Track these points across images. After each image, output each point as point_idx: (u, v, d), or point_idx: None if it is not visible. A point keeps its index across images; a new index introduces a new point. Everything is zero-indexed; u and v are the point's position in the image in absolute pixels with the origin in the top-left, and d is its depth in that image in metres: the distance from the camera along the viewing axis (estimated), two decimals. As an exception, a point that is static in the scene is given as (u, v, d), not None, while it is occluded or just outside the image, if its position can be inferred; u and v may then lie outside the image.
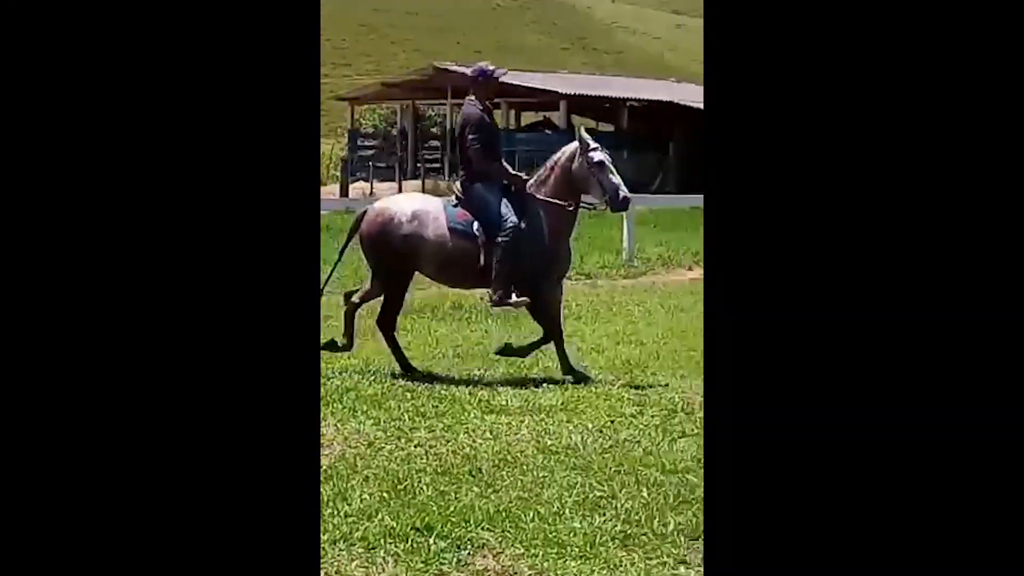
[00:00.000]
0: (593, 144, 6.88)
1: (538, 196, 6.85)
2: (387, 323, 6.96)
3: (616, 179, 6.82)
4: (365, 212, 7.07)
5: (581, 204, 6.97)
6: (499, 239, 6.66)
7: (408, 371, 6.80)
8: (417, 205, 6.94)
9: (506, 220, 6.69)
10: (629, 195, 6.95)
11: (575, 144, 6.92)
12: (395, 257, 6.82)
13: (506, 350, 7.01)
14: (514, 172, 7.20)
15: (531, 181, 6.97)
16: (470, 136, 6.76)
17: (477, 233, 6.73)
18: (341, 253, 7.07)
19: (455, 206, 6.85)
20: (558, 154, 6.99)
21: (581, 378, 6.61)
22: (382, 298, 7.00)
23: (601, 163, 6.81)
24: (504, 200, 6.79)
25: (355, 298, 7.12)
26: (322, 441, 4.97)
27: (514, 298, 6.76)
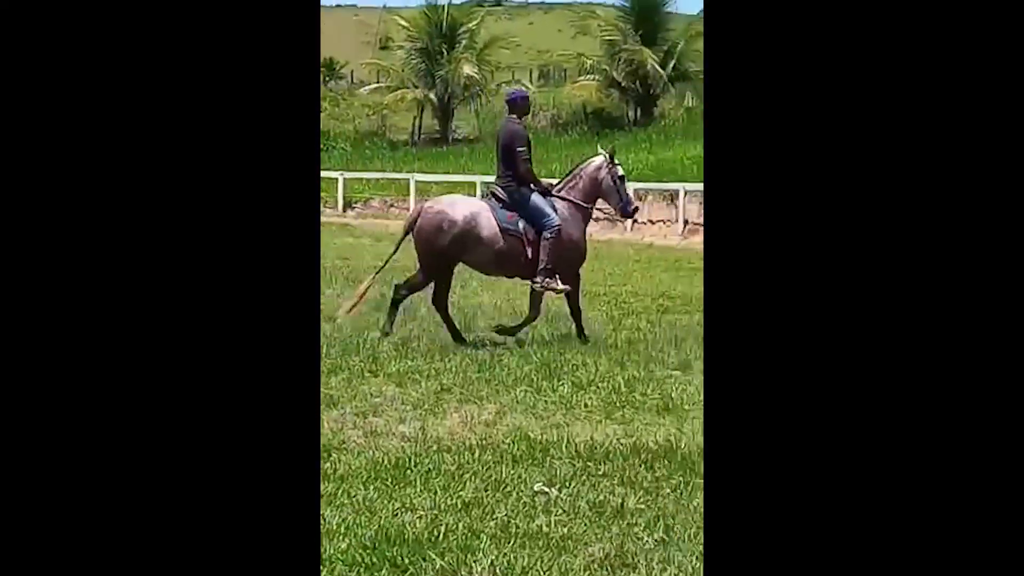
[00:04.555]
0: (616, 160, 8.41)
1: (570, 198, 8.19)
2: (441, 303, 8.19)
3: (630, 192, 8.48)
4: (420, 211, 8.28)
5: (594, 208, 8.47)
6: (547, 236, 7.96)
7: (459, 341, 8.00)
8: (471, 207, 8.16)
9: (551, 220, 8.01)
10: (638, 205, 8.60)
11: (601, 157, 8.37)
12: (450, 252, 8.02)
13: (502, 330, 8.24)
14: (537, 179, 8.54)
15: (559, 186, 8.32)
16: (519, 149, 8.08)
17: (524, 231, 8.02)
18: (397, 247, 8.34)
19: (502, 208, 8.09)
20: (584, 164, 8.43)
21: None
22: (432, 285, 8.21)
23: (623, 176, 8.44)
24: (543, 202, 8.07)
25: (403, 289, 8.22)
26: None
27: (559, 284, 8.06)
